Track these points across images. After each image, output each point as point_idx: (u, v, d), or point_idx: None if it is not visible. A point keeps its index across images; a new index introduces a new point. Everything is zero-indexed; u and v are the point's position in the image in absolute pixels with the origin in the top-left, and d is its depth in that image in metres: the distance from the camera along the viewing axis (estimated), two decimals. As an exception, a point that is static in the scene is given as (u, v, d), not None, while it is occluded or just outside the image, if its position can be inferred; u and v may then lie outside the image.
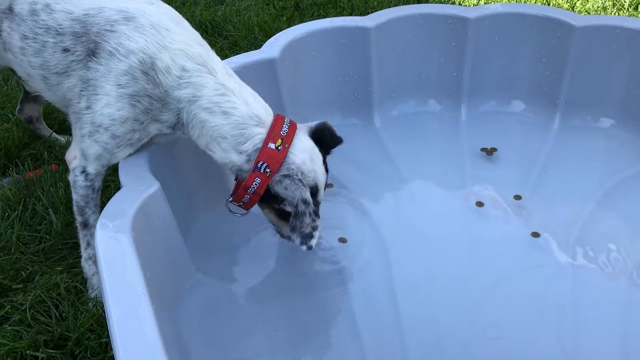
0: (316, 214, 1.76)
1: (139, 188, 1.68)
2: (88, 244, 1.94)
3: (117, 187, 1.90)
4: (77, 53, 1.75)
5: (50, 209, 2.25)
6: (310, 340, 1.85)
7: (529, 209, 2.24)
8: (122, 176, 1.74)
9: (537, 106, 2.60)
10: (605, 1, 3.62)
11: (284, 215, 1.81)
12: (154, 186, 1.70)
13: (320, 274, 2.06)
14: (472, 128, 2.61)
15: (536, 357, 1.76)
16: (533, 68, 2.59)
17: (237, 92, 1.74)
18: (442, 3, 3.56)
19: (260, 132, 1.73)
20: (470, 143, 2.55)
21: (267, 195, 1.75)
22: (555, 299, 1.94)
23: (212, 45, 2.21)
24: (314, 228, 1.74)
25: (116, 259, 1.48)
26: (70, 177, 1.91)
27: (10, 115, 2.81)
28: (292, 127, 1.77)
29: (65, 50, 1.76)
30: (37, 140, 2.68)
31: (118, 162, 1.84)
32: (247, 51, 2.43)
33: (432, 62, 2.65)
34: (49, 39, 1.77)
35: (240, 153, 1.73)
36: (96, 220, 1.75)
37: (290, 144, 1.73)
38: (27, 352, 1.76)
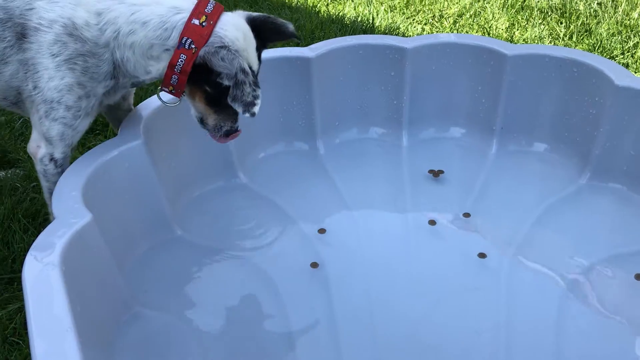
0: (256, 83, 1.76)
1: (71, 220, 1.67)
2: None
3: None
4: (8, 39, 1.80)
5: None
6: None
7: (476, 226, 2.31)
8: (55, 208, 1.73)
9: (475, 131, 2.68)
10: (542, 31, 3.77)
11: (213, 102, 1.83)
12: (86, 217, 1.69)
13: (261, 302, 2.06)
14: (414, 153, 2.67)
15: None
16: (470, 95, 2.67)
17: (149, 1, 1.77)
18: (387, 34, 3.66)
19: (182, 17, 1.75)
20: (413, 167, 2.61)
21: (198, 74, 1.76)
22: (492, 319, 1.98)
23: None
24: (255, 97, 1.74)
25: (43, 293, 1.45)
26: (39, 168, 1.96)
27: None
28: (218, 7, 1.78)
29: None
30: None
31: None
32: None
33: (373, 90, 2.71)
34: None
35: (169, 49, 1.75)
36: None
37: (216, 21, 1.74)
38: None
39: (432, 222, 2.32)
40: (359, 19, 3.91)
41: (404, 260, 2.20)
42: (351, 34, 3.57)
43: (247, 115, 1.75)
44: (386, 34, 3.68)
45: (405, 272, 2.15)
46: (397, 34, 3.70)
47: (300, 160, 2.62)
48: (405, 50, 2.59)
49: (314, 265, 2.13)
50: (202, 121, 1.92)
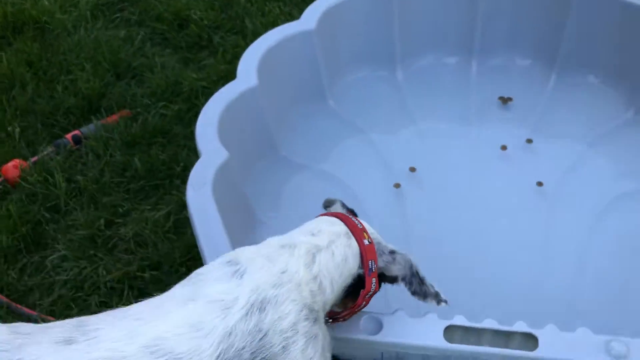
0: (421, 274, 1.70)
1: (214, 158, 2.21)
2: None
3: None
4: None
5: (135, 157, 2.82)
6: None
7: (537, 152, 2.71)
8: (201, 147, 2.26)
9: (538, 62, 3.00)
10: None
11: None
12: (224, 155, 2.23)
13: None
14: (484, 80, 3.03)
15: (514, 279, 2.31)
16: (537, 27, 2.97)
17: (339, 243, 1.63)
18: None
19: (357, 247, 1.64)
20: (483, 93, 2.97)
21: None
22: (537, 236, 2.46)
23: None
24: (433, 286, 1.68)
25: (202, 209, 2.03)
26: None
27: (85, 64, 3.31)
28: (354, 216, 1.77)
29: None
30: (114, 91, 3.20)
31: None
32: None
33: (449, 18, 3.03)
34: None
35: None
36: None
37: (369, 234, 1.69)
38: (137, 273, 2.40)
39: (504, 147, 2.72)
40: None
41: (472, 182, 2.63)
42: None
43: (444, 304, 1.67)
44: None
45: (470, 189, 2.62)
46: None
47: (380, 85, 3.04)
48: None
49: (397, 185, 2.64)
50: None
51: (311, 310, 1.48)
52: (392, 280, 1.70)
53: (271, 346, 1.38)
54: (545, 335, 1.67)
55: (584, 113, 2.85)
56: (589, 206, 2.50)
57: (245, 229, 2.31)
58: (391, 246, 1.71)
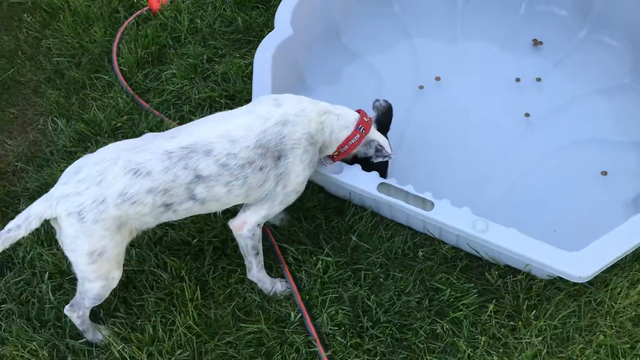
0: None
1: (281, 33, 3.10)
2: (259, 262, 2.64)
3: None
4: (270, 165, 2.37)
5: (239, 15, 3.75)
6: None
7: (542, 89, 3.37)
8: (276, 21, 3.15)
9: (574, 13, 3.57)
10: None
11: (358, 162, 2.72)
12: (289, 31, 3.12)
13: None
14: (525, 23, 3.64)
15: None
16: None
17: (343, 112, 2.58)
18: None
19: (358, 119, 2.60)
20: (519, 35, 3.60)
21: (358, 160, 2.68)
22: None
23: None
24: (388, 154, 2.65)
25: (261, 67, 2.98)
26: (247, 234, 2.51)
27: None
28: (367, 116, 2.65)
29: (261, 168, 2.36)
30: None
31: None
32: None
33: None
34: (247, 171, 2.33)
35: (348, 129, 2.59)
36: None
37: (370, 127, 2.63)
38: (217, 98, 3.43)
39: (517, 80, 3.39)
40: None
41: (483, 105, 3.33)
42: None
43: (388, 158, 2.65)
44: None
45: (477, 106, 3.33)
46: None
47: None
48: None
49: (421, 87, 3.42)
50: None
51: (312, 136, 2.44)
52: (369, 157, 2.66)
53: (285, 145, 2.37)
54: (440, 204, 2.53)
55: (593, 68, 3.40)
56: (558, 138, 3.16)
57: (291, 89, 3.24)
58: (382, 147, 2.63)
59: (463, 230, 2.45)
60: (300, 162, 2.41)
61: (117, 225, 2.25)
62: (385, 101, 2.77)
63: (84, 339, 2.60)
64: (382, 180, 2.62)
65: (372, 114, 2.75)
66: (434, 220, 2.50)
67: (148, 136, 2.42)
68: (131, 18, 3.86)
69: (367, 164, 2.69)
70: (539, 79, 3.40)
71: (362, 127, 2.57)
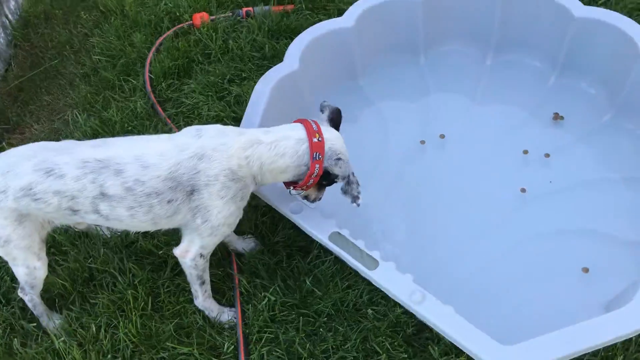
0: (357, 183, 2.49)
1: (287, 67, 3.17)
2: (205, 291, 2.66)
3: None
4: (180, 198, 2.32)
5: (268, 43, 3.85)
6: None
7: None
8: (287, 54, 3.23)
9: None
10: None
11: (319, 188, 2.59)
12: (295, 66, 3.18)
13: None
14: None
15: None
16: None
17: (279, 137, 2.40)
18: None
19: (307, 145, 2.39)
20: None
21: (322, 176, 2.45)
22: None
23: None
24: (359, 192, 2.49)
25: (257, 99, 3.05)
26: (189, 264, 2.52)
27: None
28: (316, 124, 2.45)
29: (169, 201, 2.32)
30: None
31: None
32: None
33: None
34: (153, 200, 2.30)
35: (302, 166, 2.43)
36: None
37: (322, 135, 2.40)
38: (225, 120, 3.54)
39: (525, 152, 3.30)
40: None
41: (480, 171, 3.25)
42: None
43: (355, 205, 2.47)
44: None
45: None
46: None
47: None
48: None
49: (422, 142, 3.38)
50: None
51: (233, 172, 2.33)
52: (334, 177, 2.47)
53: (198, 180, 2.31)
54: (384, 266, 2.48)
55: (610, 155, 3.25)
56: (549, 222, 3.02)
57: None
58: (342, 155, 2.44)
59: (398, 297, 2.40)
60: (218, 197, 2.33)
61: (16, 216, 2.33)
62: (330, 104, 2.64)
63: (35, 324, 2.77)
64: (336, 229, 2.61)
65: (322, 117, 2.60)
66: (373, 280, 2.47)
67: (68, 143, 2.43)
68: (172, 30, 4.06)
69: (330, 180, 2.53)
70: (547, 155, 3.26)
71: (318, 154, 2.39)
